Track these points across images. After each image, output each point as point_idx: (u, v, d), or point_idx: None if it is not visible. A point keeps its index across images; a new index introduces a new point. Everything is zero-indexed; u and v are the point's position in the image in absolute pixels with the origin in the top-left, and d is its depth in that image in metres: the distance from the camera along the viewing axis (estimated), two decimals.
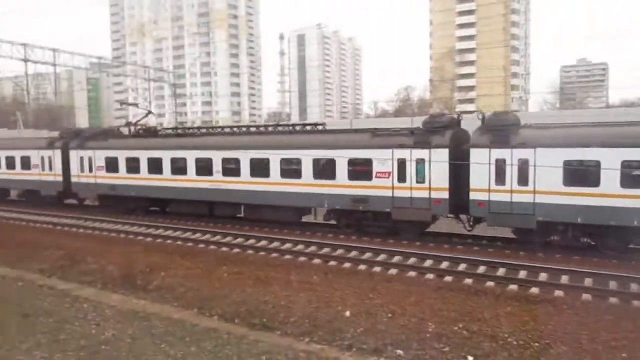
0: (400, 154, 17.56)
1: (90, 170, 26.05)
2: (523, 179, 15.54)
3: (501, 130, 16.29)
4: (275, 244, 17.97)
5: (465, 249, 16.67)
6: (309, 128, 21.72)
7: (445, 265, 14.72)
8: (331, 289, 12.41)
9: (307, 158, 19.47)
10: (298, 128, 22.02)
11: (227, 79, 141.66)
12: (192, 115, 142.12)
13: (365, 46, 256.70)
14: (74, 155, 26.75)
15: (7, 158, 29.70)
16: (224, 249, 17.72)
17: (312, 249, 17.17)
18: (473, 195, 16.26)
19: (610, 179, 14.33)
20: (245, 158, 20.96)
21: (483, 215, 16.43)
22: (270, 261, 15.50)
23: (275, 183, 20.26)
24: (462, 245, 17.15)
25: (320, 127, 21.28)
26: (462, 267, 14.42)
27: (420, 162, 17.29)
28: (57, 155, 27.50)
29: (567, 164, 14.93)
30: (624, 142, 14.26)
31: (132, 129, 27.57)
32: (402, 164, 17.58)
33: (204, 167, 22.22)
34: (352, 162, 18.59)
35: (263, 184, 20.51)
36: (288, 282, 13.01)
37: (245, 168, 21.01)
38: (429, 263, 15.02)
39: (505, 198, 15.82)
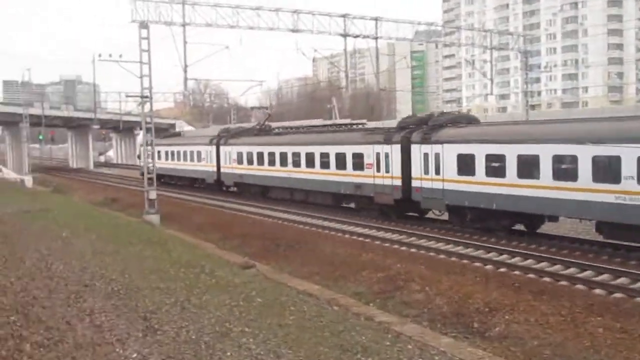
0: (377, 149, 29.51)
1: (230, 162, 44.70)
2: (437, 169, 25.75)
3: (431, 128, 26.98)
4: None
5: None
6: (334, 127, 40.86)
7: None
8: None
9: (332, 152, 33.17)
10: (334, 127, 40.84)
11: (601, 40, 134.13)
12: (546, 94, 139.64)
13: None
14: (221, 151, 45.88)
15: (184, 152, 51.82)
16: (598, 290, 16.88)
17: None
18: (413, 183, 27.16)
19: (481, 169, 23.91)
20: (302, 152, 35.52)
21: (419, 199, 27.17)
22: None
23: (316, 172, 34.23)
24: None
25: (356, 126, 39.40)
26: None
27: (387, 156, 28.71)
28: (213, 151, 47.11)
29: (459, 157, 24.91)
30: (488, 139, 24.24)
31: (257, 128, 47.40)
32: (378, 157, 29.37)
33: (284, 160, 37.12)
34: (354, 156, 31.21)
35: (311, 173, 34.68)
36: None
37: (303, 160, 35.31)
38: None
39: (429, 185, 26.16)
